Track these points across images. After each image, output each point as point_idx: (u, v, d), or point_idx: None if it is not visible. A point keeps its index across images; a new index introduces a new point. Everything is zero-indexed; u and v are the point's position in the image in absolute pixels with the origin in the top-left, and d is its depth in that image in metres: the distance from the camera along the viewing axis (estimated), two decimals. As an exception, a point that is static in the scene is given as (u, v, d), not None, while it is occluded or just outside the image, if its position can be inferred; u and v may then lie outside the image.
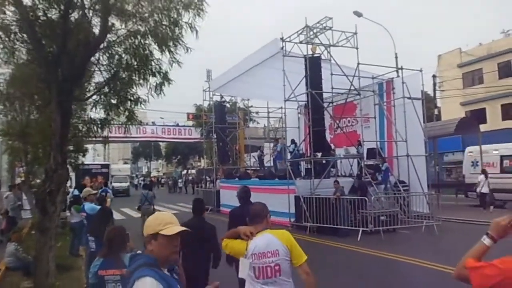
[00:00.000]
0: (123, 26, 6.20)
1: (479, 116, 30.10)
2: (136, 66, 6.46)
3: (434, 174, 22.03)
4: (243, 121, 27.51)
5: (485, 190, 17.11)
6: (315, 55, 15.01)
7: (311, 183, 14.56)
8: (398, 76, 16.90)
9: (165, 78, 6.68)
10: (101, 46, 6.26)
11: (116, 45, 6.47)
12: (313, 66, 14.77)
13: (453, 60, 34.50)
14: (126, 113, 7.24)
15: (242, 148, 26.59)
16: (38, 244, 6.06)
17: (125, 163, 75.46)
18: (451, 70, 33.26)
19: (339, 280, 8.24)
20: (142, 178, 55.34)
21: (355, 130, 18.51)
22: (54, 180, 5.86)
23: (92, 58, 6.52)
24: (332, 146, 18.20)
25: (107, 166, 38.44)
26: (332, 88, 14.82)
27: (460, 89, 32.57)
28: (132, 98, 7.03)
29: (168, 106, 54.35)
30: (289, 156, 17.55)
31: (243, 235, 3.20)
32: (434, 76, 31.43)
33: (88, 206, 8.21)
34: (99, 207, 7.65)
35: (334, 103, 17.61)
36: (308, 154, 16.49)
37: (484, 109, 32.46)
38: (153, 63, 6.49)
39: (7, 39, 6.04)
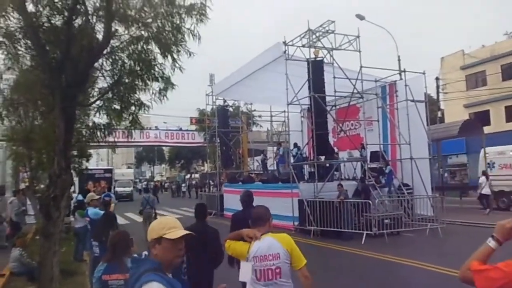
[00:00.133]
0: (126, 32, 6.23)
1: (483, 118, 30.03)
2: (139, 72, 6.49)
3: (438, 176, 21.95)
4: (246, 125, 27.53)
5: (485, 191, 17.12)
6: (318, 58, 15.03)
7: (314, 186, 14.55)
8: (401, 79, 16.90)
9: (168, 83, 6.70)
10: (105, 51, 6.28)
11: (119, 51, 6.50)
12: (316, 69, 14.79)
13: (456, 62, 34.45)
14: (130, 118, 7.26)
15: (245, 152, 26.61)
16: (42, 249, 6.07)
17: (129, 167, 75.71)
18: (454, 72, 33.21)
19: (342, 283, 8.22)
20: (145, 183, 55.40)
21: (358, 133, 18.49)
22: (58, 185, 5.87)
23: (96, 64, 6.55)
24: (336, 150, 18.17)
25: (110, 171, 38.49)
26: (335, 91, 14.84)
27: (463, 91, 32.49)
28: (135, 103, 7.06)
29: (171, 111, 54.60)
30: (292, 160, 17.54)
31: (246, 237, 3.28)
32: (437, 79, 31.42)
33: (91, 211, 8.23)
34: (102, 212, 7.67)
35: (337, 107, 17.63)
36: (312, 158, 16.47)
37: (487, 111, 32.36)
38: (156, 68, 6.51)
39: (11, 45, 6.09)
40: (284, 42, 15.18)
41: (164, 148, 63.56)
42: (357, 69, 15.26)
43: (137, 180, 71.65)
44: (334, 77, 14.60)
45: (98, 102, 7.45)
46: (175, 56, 6.21)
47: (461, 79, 33.37)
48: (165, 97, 6.81)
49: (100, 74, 7.03)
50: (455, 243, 11.62)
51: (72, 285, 7.87)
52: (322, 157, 15.91)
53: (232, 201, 18.06)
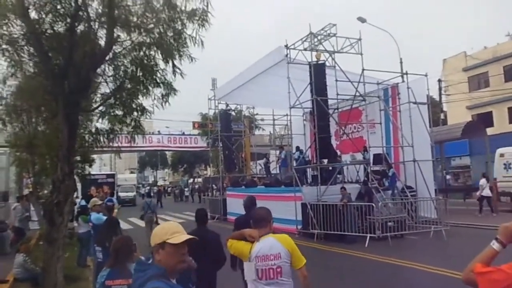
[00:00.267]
0: (128, 38, 6.26)
1: (486, 119, 29.97)
2: (141, 77, 6.52)
3: (442, 178, 21.88)
4: (248, 129, 27.54)
5: (486, 193, 17.12)
6: (320, 62, 15.05)
7: (317, 190, 14.53)
8: (403, 81, 16.89)
9: (170, 88, 6.72)
10: (107, 57, 6.32)
11: (121, 57, 6.54)
12: (318, 73, 14.80)
13: (458, 64, 34.42)
14: (132, 123, 7.28)
15: (248, 156, 26.60)
16: (46, 255, 6.08)
17: (132, 172, 75.76)
18: (456, 74, 33.17)
19: (346, 286, 8.20)
20: (148, 188, 55.50)
21: (361, 136, 18.47)
22: (62, 191, 5.90)
23: (98, 70, 6.59)
24: (338, 153, 18.16)
25: (112, 176, 38.59)
26: (337, 94, 14.84)
27: (466, 93, 32.44)
28: (138, 109, 7.08)
29: (174, 115, 54.59)
30: (294, 163, 17.53)
31: (248, 237, 3.39)
32: (439, 81, 31.35)
33: (94, 216, 8.25)
34: (104, 217, 7.68)
35: (340, 110, 17.62)
36: (314, 161, 16.46)
37: (490, 112, 32.28)
38: (158, 74, 6.54)
39: (14, 52, 6.13)
40: (286, 46, 15.20)
41: (166, 152, 63.71)
42: (359, 72, 15.26)
43: (140, 185, 71.72)
44: (336, 80, 14.61)
45: (100, 107, 7.48)
46: (176, 62, 6.24)
47: (463, 81, 33.33)
48: (167, 103, 6.84)
49: (102, 80, 7.06)
50: (459, 246, 11.57)
51: (76, 290, 7.87)
52: (325, 160, 15.89)
53: (235, 205, 18.04)
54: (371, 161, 16.14)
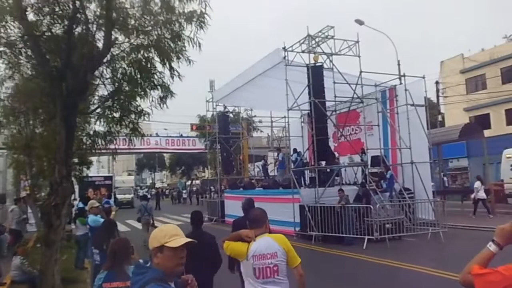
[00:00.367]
0: (127, 40, 6.27)
1: (483, 121, 30.02)
2: (139, 80, 6.52)
3: (439, 180, 21.91)
4: (246, 131, 27.55)
5: (481, 195, 17.25)
6: (318, 64, 15.06)
7: (315, 192, 14.52)
8: (401, 83, 16.91)
9: (168, 91, 6.73)
10: (105, 59, 6.33)
11: (119, 59, 6.54)
12: (316, 75, 14.81)
13: (455, 66, 34.51)
14: (130, 125, 7.29)
15: (246, 158, 26.62)
16: (43, 258, 6.07)
17: (129, 174, 75.61)
18: (454, 76, 33.25)
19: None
20: (146, 190, 55.34)
21: (359, 138, 18.48)
22: (59, 193, 5.89)
23: (96, 72, 6.59)
24: (336, 155, 18.16)
25: (110, 178, 38.52)
26: (335, 96, 14.86)
27: (463, 95, 32.53)
28: (135, 111, 7.09)
29: (172, 117, 54.65)
30: (292, 166, 17.53)
31: (245, 237, 3.44)
32: (437, 83, 31.45)
33: (91, 218, 8.22)
34: (102, 219, 7.65)
35: (337, 112, 17.64)
36: (312, 163, 16.46)
37: (488, 114, 32.35)
38: (155, 76, 6.55)
39: (12, 55, 6.13)
40: (284, 48, 15.22)
41: (164, 154, 63.50)
42: (357, 74, 15.27)
43: (138, 187, 71.58)
44: (334, 82, 14.61)
45: (98, 110, 7.48)
46: (174, 64, 6.25)
47: (461, 83, 33.41)
48: (165, 105, 6.85)
49: (100, 82, 7.07)
50: (457, 247, 11.59)
51: (73, 293, 7.84)
52: (323, 162, 15.90)
53: (233, 207, 18.02)
54: (369, 163, 16.15)
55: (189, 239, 2.18)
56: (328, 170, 16.34)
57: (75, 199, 16.66)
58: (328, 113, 15.88)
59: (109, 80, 6.92)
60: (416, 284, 8.31)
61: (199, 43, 6.19)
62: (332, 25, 15.40)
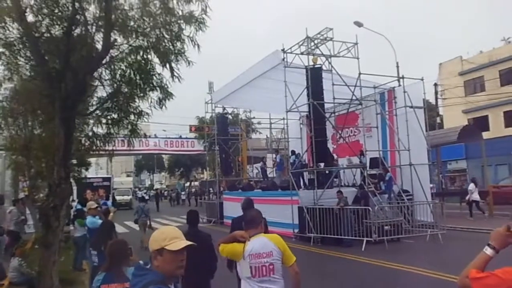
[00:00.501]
0: (126, 41, 6.27)
1: (482, 123, 30.07)
2: (138, 81, 6.53)
3: (438, 182, 21.91)
4: (245, 132, 27.55)
5: (475, 197, 17.41)
6: (316, 65, 15.07)
7: (314, 193, 14.52)
8: (399, 85, 16.93)
9: (167, 93, 6.74)
10: (104, 61, 6.33)
11: (118, 60, 6.55)
12: (315, 76, 14.83)
13: (454, 68, 34.58)
14: (129, 127, 7.29)
15: (244, 159, 26.60)
16: (41, 259, 6.06)
17: (128, 176, 75.49)
18: (452, 78, 33.31)
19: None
20: (144, 191, 55.20)
21: (357, 140, 18.50)
22: (58, 195, 5.89)
23: (95, 73, 6.59)
24: (335, 156, 18.17)
25: (108, 179, 38.40)
26: (334, 98, 14.88)
27: (462, 97, 32.58)
28: (134, 112, 7.09)
29: (171, 119, 54.65)
30: (290, 167, 17.53)
31: (240, 238, 3.49)
32: (435, 85, 31.47)
33: (89, 220, 8.22)
34: (99, 221, 7.64)
35: (336, 113, 17.65)
36: (311, 165, 16.47)
37: (486, 116, 32.41)
38: (154, 78, 6.56)
39: (11, 56, 6.13)
40: (283, 50, 15.24)
41: (163, 156, 63.49)
42: (355, 76, 15.30)
43: (137, 189, 71.46)
44: (333, 84, 14.62)
45: (97, 111, 7.48)
46: (173, 65, 6.26)
47: (459, 85, 33.46)
48: (164, 106, 6.85)
49: (99, 84, 7.07)
50: (455, 249, 11.59)
51: (71, 294, 7.83)
52: (322, 164, 15.91)
53: (232, 209, 18.01)
54: (368, 165, 16.17)
55: (189, 242, 2.17)
56: (327, 172, 16.34)
57: (73, 201, 16.62)
58: (327, 115, 15.89)
59: (108, 81, 6.92)
60: (414, 286, 8.32)
61: (198, 45, 6.21)
62: (331, 26, 15.45)
